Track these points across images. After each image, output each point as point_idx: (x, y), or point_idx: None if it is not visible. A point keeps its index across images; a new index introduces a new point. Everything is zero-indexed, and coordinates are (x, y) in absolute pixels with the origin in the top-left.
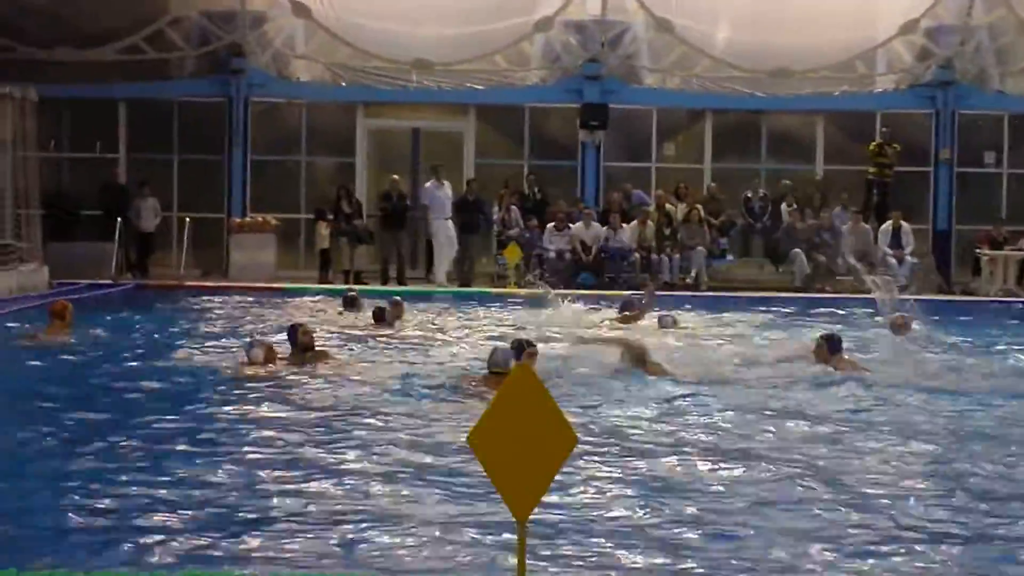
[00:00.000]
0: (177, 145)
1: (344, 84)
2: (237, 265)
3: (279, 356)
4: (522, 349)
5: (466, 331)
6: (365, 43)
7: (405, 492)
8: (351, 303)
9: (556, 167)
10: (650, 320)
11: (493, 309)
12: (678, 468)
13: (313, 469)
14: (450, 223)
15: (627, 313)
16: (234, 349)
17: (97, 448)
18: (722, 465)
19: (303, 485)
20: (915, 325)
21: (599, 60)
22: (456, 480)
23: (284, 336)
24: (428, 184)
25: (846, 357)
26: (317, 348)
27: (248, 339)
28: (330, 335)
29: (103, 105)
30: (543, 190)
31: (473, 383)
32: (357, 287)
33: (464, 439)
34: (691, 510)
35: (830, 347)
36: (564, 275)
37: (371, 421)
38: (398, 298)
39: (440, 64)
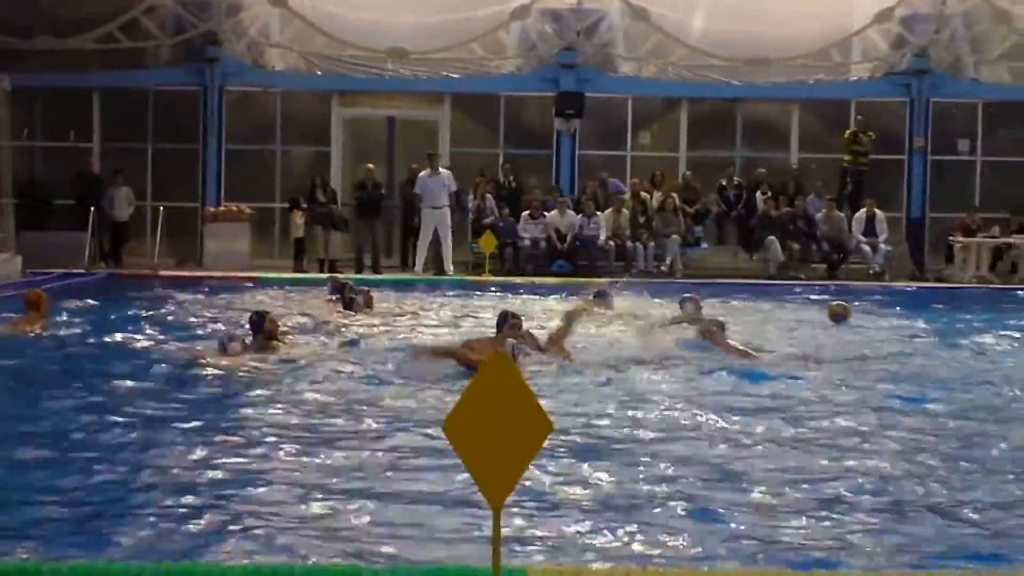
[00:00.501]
0: (151, 134)
1: (319, 73)
2: (211, 254)
3: (245, 344)
4: (506, 320)
5: (436, 318)
6: (341, 31)
7: (381, 476)
8: (338, 290)
9: (531, 155)
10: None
11: (470, 297)
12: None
13: (288, 456)
14: (442, 212)
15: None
16: (206, 339)
17: (72, 436)
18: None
19: (280, 471)
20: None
21: (575, 48)
22: (435, 463)
23: (248, 324)
24: (422, 173)
25: (731, 342)
26: (283, 337)
27: (225, 331)
28: (302, 322)
29: (77, 94)
30: (518, 178)
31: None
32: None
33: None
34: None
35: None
36: (539, 263)
37: (348, 405)
38: (366, 288)
39: (416, 52)
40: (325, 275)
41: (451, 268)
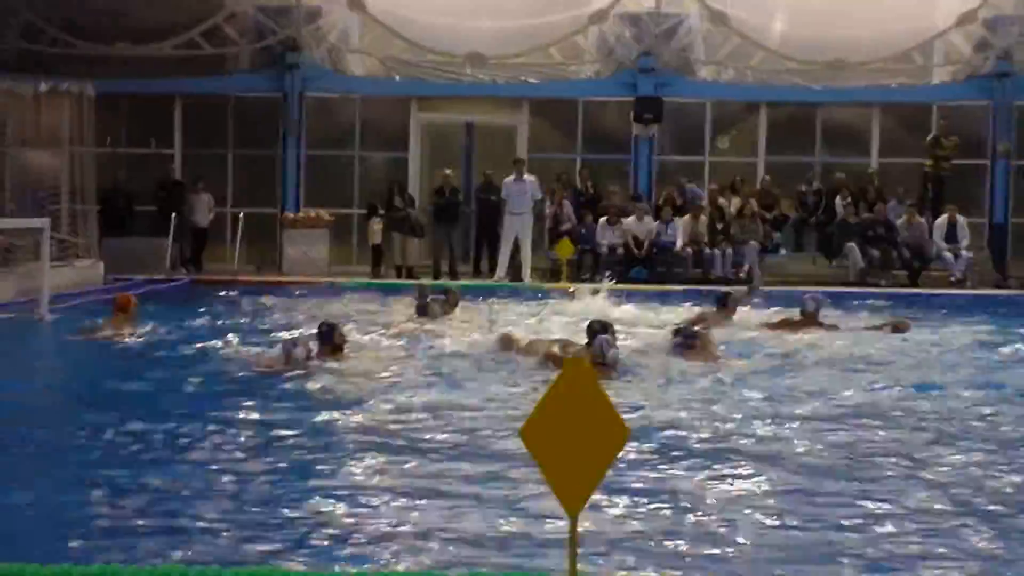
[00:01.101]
0: (232, 140)
1: (398, 78)
2: (290, 260)
3: (313, 354)
4: (598, 331)
5: (516, 325)
6: (419, 37)
7: (457, 482)
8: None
9: (609, 161)
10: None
11: (547, 303)
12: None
13: (350, 467)
14: (524, 218)
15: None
16: (275, 345)
17: (156, 440)
18: None
19: (352, 478)
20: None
21: (653, 53)
22: (508, 474)
23: (317, 333)
24: (508, 179)
25: (711, 350)
26: (350, 349)
27: (288, 337)
28: (371, 329)
29: (159, 101)
30: (596, 184)
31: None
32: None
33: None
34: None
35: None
36: (617, 269)
37: (409, 418)
38: (453, 289)
39: (494, 58)
40: (406, 281)
41: (528, 275)
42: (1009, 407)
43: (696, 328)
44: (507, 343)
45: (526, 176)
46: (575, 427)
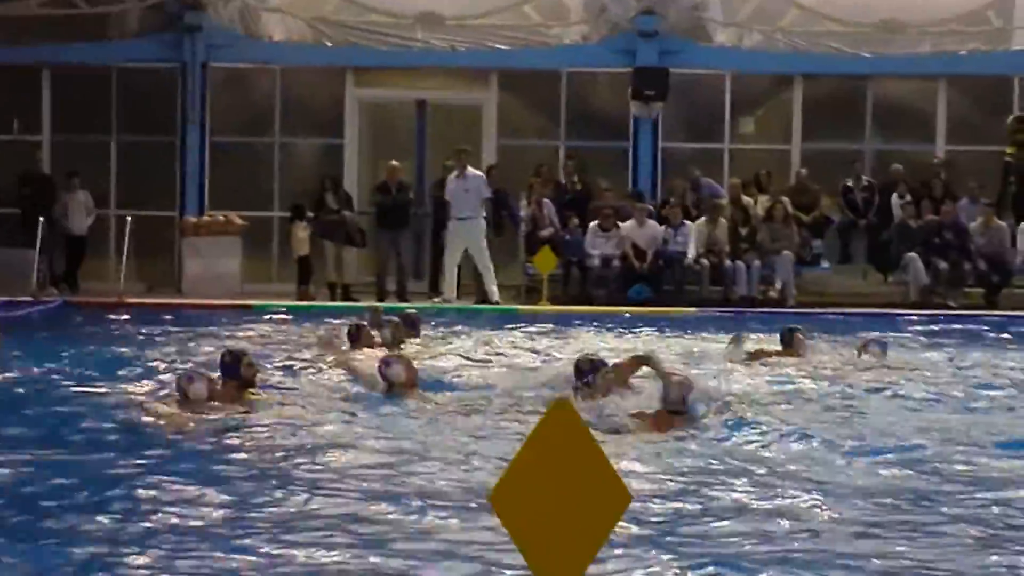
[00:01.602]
0: (116, 124)
1: (330, 44)
2: (192, 277)
3: (213, 388)
4: (589, 371)
5: (491, 359)
6: None
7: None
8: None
9: (602, 149)
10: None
11: (522, 331)
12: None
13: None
14: (471, 224)
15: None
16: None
17: (10, 513)
18: None
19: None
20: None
21: (657, 12)
22: (472, 544)
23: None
24: (450, 175)
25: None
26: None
27: (185, 371)
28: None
29: (22, 72)
30: (585, 179)
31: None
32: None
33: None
34: None
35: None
36: (612, 287)
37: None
38: (412, 311)
39: (453, 18)
40: (348, 303)
41: (496, 293)
42: None
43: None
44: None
45: (471, 170)
46: (560, 491)
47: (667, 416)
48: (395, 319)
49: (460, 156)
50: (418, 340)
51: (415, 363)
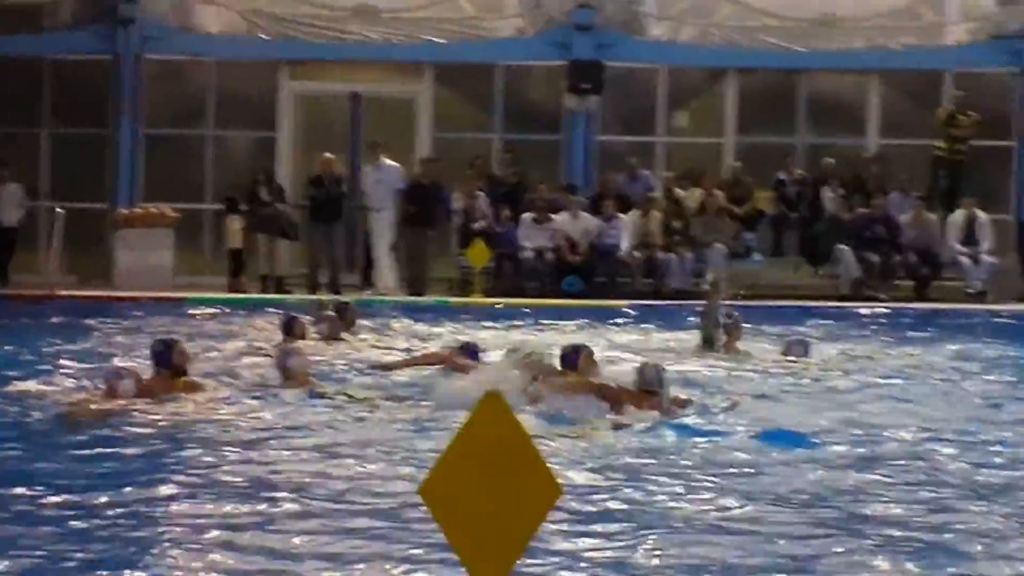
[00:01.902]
0: (48, 116)
1: (264, 37)
2: (124, 269)
3: (146, 383)
4: (577, 352)
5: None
6: None
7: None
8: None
9: (536, 142)
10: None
11: (454, 323)
12: None
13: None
14: (381, 216)
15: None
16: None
17: None
18: None
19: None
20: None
21: (592, 4)
22: (409, 540)
23: (152, 356)
24: (366, 167)
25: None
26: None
27: (112, 366)
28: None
29: None
30: (519, 172)
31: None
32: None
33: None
34: None
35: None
36: (545, 279)
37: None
38: (348, 301)
39: (388, 11)
40: (276, 295)
41: (390, 285)
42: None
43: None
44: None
45: (386, 161)
46: (491, 483)
47: (645, 395)
48: (330, 312)
49: (374, 148)
50: (356, 333)
51: (347, 355)
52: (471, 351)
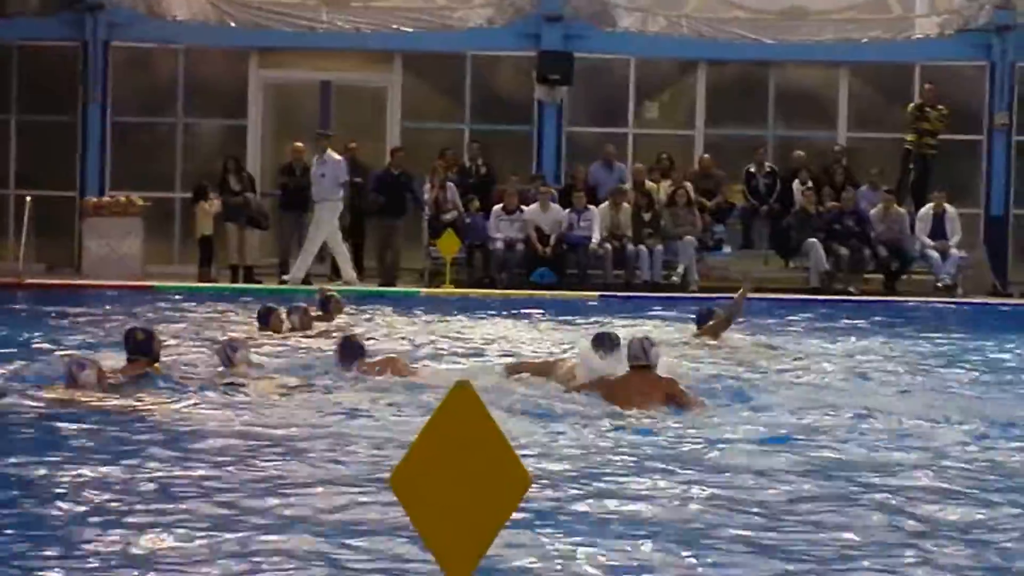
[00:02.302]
0: (15, 103)
1: (233, 25)
2: (92, 258)
3: (110, 374)
4: (616, 343)
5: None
6: None
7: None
8: (324, 305)
9: (506, 133)
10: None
11: (427, 314)
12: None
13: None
14: (327, 207)
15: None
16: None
17: None
18: None
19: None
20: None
21: None
22: (376, 529)
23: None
24: (314, 157)
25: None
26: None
27: (74, 357)
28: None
29: None
30: (489, 163)
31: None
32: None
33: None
34: None
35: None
36: (515, 271)
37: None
38: (332, 292)
39: (358, 0)
40: (246, 284)
41: (299, 276)
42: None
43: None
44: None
45: (331, 153)
46: (461, 473)
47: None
48: (302, 304)
49: (320, 140)
50: (336, 322)
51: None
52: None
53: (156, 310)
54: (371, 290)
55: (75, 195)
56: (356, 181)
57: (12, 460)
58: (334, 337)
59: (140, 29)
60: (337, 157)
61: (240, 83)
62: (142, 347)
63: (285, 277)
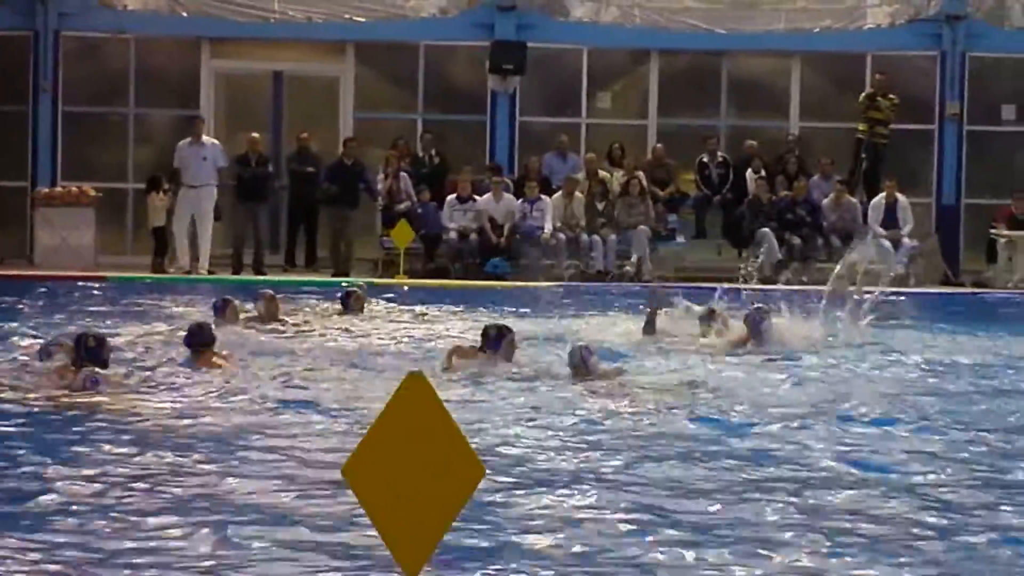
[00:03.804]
0: None
1: (185, 14)
2: (44, 248)
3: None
4: (501, 335)
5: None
6: None
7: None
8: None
9: (459, 123)
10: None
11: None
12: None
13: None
14: (201, 192)
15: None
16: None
17: None
18: None
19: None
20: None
21: None
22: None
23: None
24: (182, 142)
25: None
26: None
27: (50, 338)
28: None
29: None
30: (442, 152)
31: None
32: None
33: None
34: None
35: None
36: (468, 261)
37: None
38: (269, 291)
39: None
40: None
41: (206, 266)
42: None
43: None
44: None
45: (205, 139)
46: (414, 464)
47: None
48: (269, 291)
49: (196, 125)
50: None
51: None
52: None
53: (108, 301)
54: (326, 280)
55: (27, 185)
56: (309, 171)
57: None
58: (351, 332)
59: (91, 19)
60: (214, 142)
61: (192, 73)
62: (92, 353)
63: (204, 271)
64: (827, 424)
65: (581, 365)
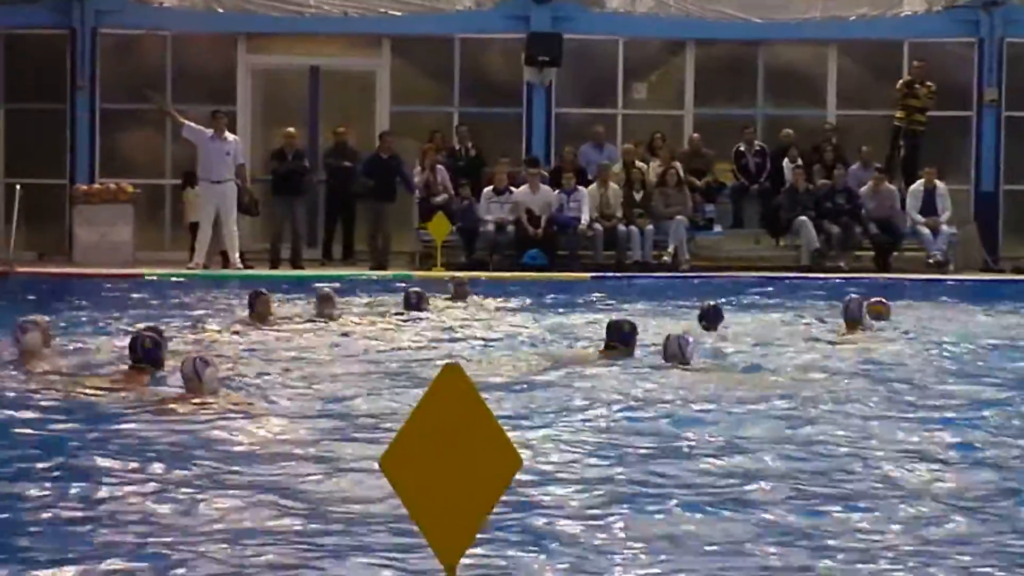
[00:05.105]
0: (4, 91)
1: (221, 10)
2: (83, 245)
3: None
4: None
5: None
6: None
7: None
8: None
9: (495, 115)
10: None
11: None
12: None
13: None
14: (223, 188)
15: None
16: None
17: None
18: None
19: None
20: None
21: None
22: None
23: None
24: (206, 135)
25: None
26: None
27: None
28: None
29: None
30: (478, 145)
31: None
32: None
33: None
34: None
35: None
36: (506, 253)
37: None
38: (263, 289)
39: None
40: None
41: (238, 260)
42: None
43: None
44: None
45: (227, 134)
46: (451, 455)
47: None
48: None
49: (219, 119)
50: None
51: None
52: None
53: (146, 297)
54: (366, 274)
55: (65, 183)
56: (346, 165)
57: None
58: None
59: (127, 16)
60: (235, 137)
61: (228, 69)
62: (149, 355)
63: (239, 266)
64: None
65: (678, 353)
